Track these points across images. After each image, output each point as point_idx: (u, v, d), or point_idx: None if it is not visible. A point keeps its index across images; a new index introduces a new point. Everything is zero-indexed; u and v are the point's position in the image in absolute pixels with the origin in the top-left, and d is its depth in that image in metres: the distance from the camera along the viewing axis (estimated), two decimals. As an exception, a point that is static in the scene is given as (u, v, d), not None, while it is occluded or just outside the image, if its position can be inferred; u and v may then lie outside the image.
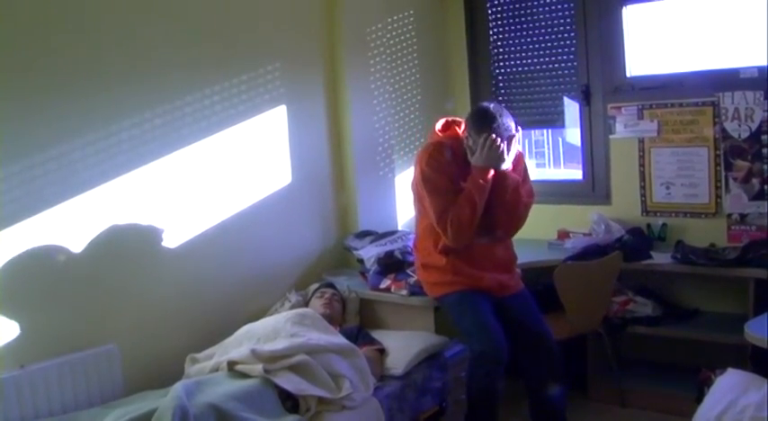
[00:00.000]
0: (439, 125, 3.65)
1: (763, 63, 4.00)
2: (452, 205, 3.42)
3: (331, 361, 3.23)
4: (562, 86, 4.75)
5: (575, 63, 4.65)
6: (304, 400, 3.06)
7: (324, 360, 3.21)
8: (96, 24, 3.25)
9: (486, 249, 3.59)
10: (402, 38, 4.73)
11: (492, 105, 3.47)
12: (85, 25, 3.21)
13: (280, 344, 3.23)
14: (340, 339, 3.38)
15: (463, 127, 3.54)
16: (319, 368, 3.16)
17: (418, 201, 3.63)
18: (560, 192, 4.80)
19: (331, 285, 4.01)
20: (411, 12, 4.78)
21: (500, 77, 4.98)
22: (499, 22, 4.94)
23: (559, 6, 4.67)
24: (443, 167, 3.47)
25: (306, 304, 3.88)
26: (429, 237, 3.62)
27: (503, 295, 3.59)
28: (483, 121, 3.40)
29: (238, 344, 3.31)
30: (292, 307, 3.90)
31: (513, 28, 4.88)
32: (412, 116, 4.83)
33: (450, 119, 3.68)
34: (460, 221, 3.40)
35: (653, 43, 4.42)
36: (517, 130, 3.47)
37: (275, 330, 3.36)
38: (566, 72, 4.71)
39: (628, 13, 4.44)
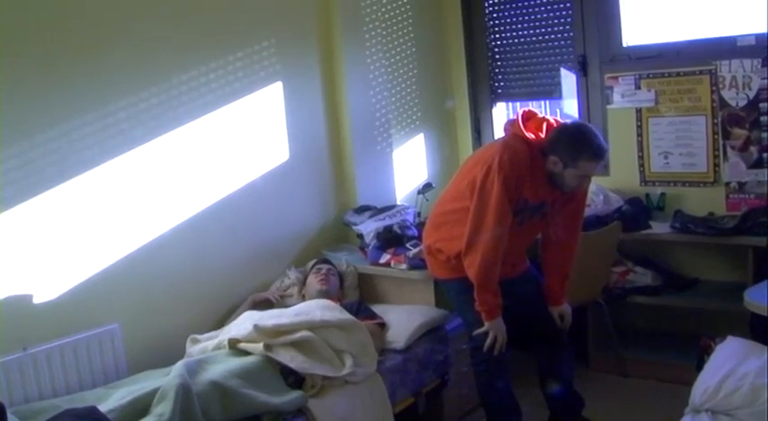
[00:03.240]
0: (521, 119, 3.17)
1: (760, 30, 3.97)
2: (497, 240, 3.10)
3: (334, 336, 3.25)
4: (559, 57, 4.72)
5: (571, 33, 4.62)
6: (310, 378, 3.09)
7: (327, 335, 3.23)
8: (92, 5, 3.23)
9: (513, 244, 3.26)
10: (397, 11, 4.69)
11: (597, 132, 3.14)
12: (81, 7, 3.19)
13: (284, 320, 3.25)
14: (343, 315, 3.39)
15: (552, 141, 3.11)
16: (323, 344, 3.18)
17: (471, 195, 3.15)
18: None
19: (327, 260, 4.02)
20: (406, -16, 4.75)
21: (496, 49, 4.95)
22: (495, -6, 4.91)
23: (555, -24, 4.64)
24: (514, 184, 3.08)
25: (304, 281, 3.90)
26: (461, 226, 3.20)
27: (511, 276, 3.36)
28: (596, 155, 3.08)
29: (240, 325, 3.32)
30: (292, 284, 3.92)
31: (508, -1, 4.86)
32: (408, 89, 4.81)
33: (536, 114, 3.24)
34: (488, 265, 3.13)
35: (649, 12, 4.39)
36: None
37: (280, 312, 3.40)
38: (562, 43, 4.68)
39: (623, -19, 4.41)
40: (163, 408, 2.70)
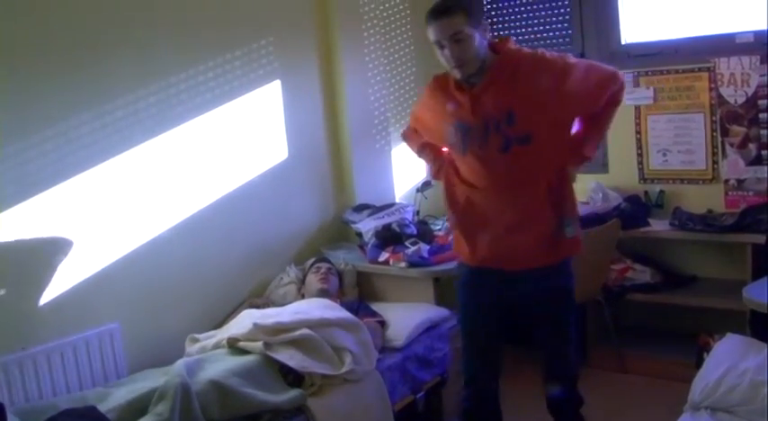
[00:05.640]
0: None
1: (759, 27, 3.97)
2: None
3: (334, 334, 3.25)
4: (557, 55, 4.72)
5: (569, 31, 4.62)
6: (310, 376, 3.09)
7: (327, 334, 3.23)
8: (90, 5, 3.22)
9: None
10: (395, 9, 4.69)
11: None
12: (80, 6, 3.19)
13: (283, 318, 3.25)
14: (343, 313, 3.40)
15: None
16: (322, 342, 3.18)
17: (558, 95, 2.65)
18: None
19: (325, 259, 4.02)
20: (404, -18, 4.75)
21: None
22: (493, -9, 4.91)
23: (553, -26, 4.64)
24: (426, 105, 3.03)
25: (303, 280, 3.90)
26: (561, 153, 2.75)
27: (515, 268, 2.91)
28: (431, 13, 2.68)
29: (240, 324, 3.32)
30: (291, 282, 3.92)
31: (506, -3, 4.86)
32: (407, 87, 4.81)
33: None
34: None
35: (648, 9, 4.39)
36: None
37: (279, 310, 3.40)
38: (560, 40, 4.69)
39: (622, -21, 4.41)
40: (162, 408, 2.71)
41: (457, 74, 2.68)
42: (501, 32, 4.90)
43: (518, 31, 4.84)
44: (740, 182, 4.14)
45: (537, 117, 2.64)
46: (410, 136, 3.19)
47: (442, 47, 2.64)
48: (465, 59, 2.62)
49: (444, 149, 3.01)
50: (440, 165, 3.02)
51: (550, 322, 2.90)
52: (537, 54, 2.71)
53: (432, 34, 2.64)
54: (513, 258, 2.80)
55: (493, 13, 4.91)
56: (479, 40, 2.64)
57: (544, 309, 2.88)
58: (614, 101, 2.82)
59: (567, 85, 2.63)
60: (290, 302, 3.66)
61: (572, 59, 2.71)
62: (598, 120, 2.83)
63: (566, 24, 4.63)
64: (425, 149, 3.10)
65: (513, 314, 2.97)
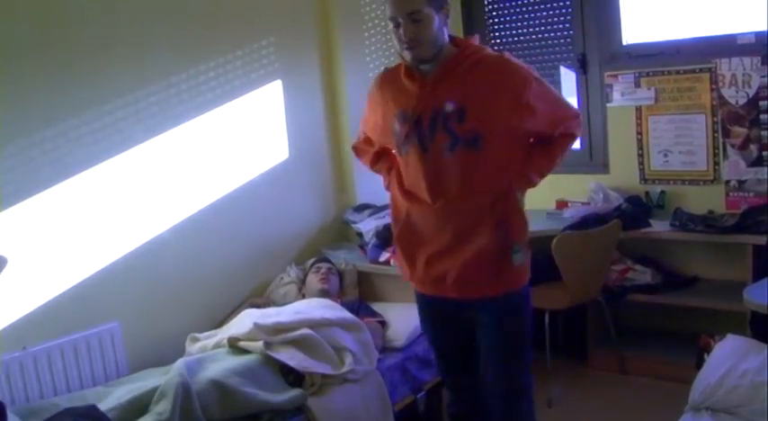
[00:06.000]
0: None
1: (760, 28, 3.97)
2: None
3: (335, 334, 3.25)
4: (558, 55, 4.71)
5: (571, 32, 4.62)
6: (310, 376, 3.09)
7: (328, 334, 3.23)
8: (91, 5, 3.23)
9: None
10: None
11: None
12: (80, 6, 3.19)
13: (284, 318, 3.25)
14: (344, 313, 3.40)
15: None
16: (322, 342, 3.18)
17: (523, 110, 2.49)
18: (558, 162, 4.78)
19: (326, 259, 4.02)
20: (405, -17, 4.74)
21: (496, 48, 4.94)
22: (494, -8, 4.91)
23: (554, -26, 4.63)
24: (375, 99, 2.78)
25: (303, 280, 3.90)
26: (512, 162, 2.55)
27: (454, 297, 2.68)
28: None
29: (240, 323, 3.33)
30: (291, 281, 3.92)
31: (508, -3, 4.86)
32: (408, 88, 4.80)
33: None
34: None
35: (649, 10, 4.38)
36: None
37: (280, 310, 3.40)
38: (562, 41, 4.68)
39: (623, -20, 4.41)
40: (163, 407, 2.71)
41: (407, 55, 2.46)
42: (502, 33, 4.90)
43: (519, 31, 4.83)
44: (741, 183, 4.13)
45: (489, 119, 2.45)
46: (361, 148, 2.94)
47: (397, 24, 2.42)
48: (419, 41, 2.42)
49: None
50: (392, 179, 2.73)
51: (492, 362, 2.62)
52: (501, 56, 2.54)
53: (389, 9, 2.44)
54: (449, 285, 2.56)
55: (494, 13, 4.91)
56: (439, 23, 2.44)
57: (487, 342, 2.61)
58: (570, 133, 2.66)
59: (525, 94, 2.46)
60: (291, 302, 3.66)
61: (536, 74, 2.55)
62: (551, 147, 2.63)
63: (567, 25, 4.62)
64: (379, 160, 2.84)
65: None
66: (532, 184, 2.62)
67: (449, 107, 2.46)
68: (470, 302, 2.58)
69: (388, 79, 2.66)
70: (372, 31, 4.52)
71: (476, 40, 2.61)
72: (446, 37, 2.50)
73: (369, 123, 2.81)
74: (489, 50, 2.57)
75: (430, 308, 2.74)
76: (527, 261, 2.60)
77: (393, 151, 2.71)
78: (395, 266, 3.88)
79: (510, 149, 2.54)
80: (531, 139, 2.63)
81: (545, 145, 2.63)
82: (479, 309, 2.58)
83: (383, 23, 4.59)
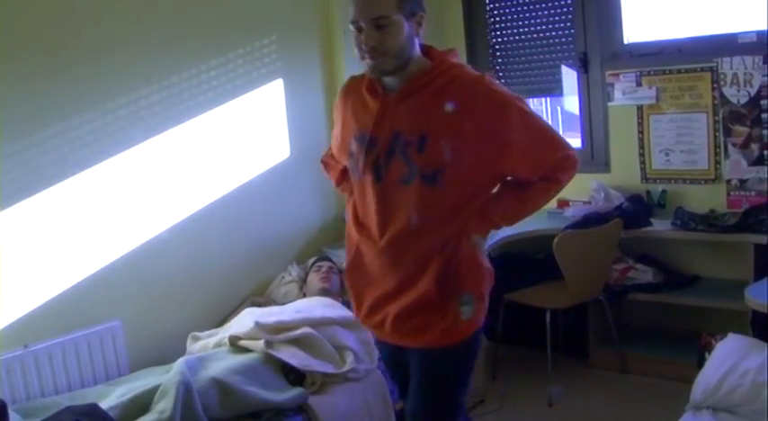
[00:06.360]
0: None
1: (761, 27, 3.96)
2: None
3: (336, 333, 3.25)
4: (560, 54, 4.71)
5: (572, 31, 4.61)
6: (311, 375, 3.09)
7: (329, 332, 3.23)
8: (92, 4, 3.23)
9: None
10: (398, 8, 4.68)
11: None
12: (81, 5, 3.19)
13: (285, 317, 3.25)
14: (345, 312, 3.40)
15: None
16: (323, 341, 3.18)
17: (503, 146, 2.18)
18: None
19: (327, 258, 4.02)
20: (406, -18, 4.74)
21: (497, 47, 4.94)
22: (495, -9, 4.90)
23: (556, -27, 4.63)
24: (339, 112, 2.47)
25: (304, 279, 3.90)
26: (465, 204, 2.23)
27: (391, 342, 2.48)
28: None
29: (241, 322, 3.33)
30: (292, 280, 3.92)
31: (509, -4, 4.86)
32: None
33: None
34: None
35: (650, 9, 4.38)
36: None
37: (281, 309, 3.40)
38: (563, 40, 4.68)
39: (624, -22, 4.40)
40: (164, 405, 2.71)
41: (368, 65, 2.16)
42: (503, 32, 4.90)
43: (520, 30, 4.83)
44: (742, 182, 4.13)
45: (453, 152, 2.12)
46: (329, 163, 2.60)
47: (359, 29, 2.13)
48: (382, 50, 2.11)
49: None
50: (348, 206, 2.44)
51: (414, 408, 2.38)
52: (482, 78, 2.18)
53: (351, 12, 2.15)
54: (387, 330, 2.31)
55: (495, 12, 4.90)
56: (409, 33, 2.13)
57: (414, 388, 2.36)
58: (553, 177, 2.27)
59: (502, 126, 2.13)
60: (292, 301, 3.66)
61: (523, 105, 2.20)
62: (526, 192, 2.27)
63: (568, 24, 4.62)
64: (344, 180, 2.49)
65: None
66: (497, 227, 2.32)
67: (410, 133, 2.14)
68: (406, 349, 2.34)
69: (354, 88, 2.34)
70: (374, 30, 4.51)
71: (455, 55, 2.27)
72: (416, 49, 2.19)
73: (334, 136, 2.48)
74: (469, 69, 2.23)
75: (380, 345, 2.56)
76: (480, 313, 2.27)
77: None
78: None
79: (475, 191, 2.22)
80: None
81: (522, 185, 2.27)
82: (413, 357, 2.33)
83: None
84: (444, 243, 2.19)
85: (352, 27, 2.15)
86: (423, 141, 2.12)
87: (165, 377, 2.86)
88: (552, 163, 2.24)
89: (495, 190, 2.28)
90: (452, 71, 2.18)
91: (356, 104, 2.30)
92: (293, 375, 3.11)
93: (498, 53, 4.95)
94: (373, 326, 2.38)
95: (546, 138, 2.24)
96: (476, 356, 2.37)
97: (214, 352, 3.16)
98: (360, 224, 2.31)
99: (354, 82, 2.37)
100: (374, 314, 2.33)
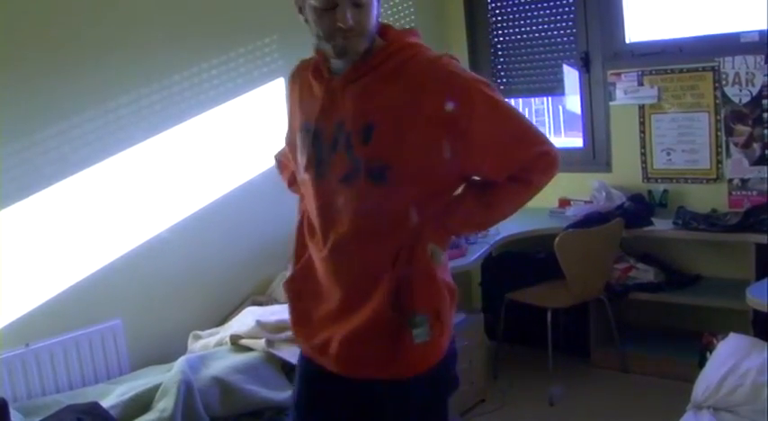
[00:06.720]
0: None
1: (763, 27, 3.96)
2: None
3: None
4: (561, 54, 4.71)
5: (574, 30, 4.61)
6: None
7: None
8: (93, 3, 3.23)
9: None
10: (400, 8, 4.69)
11: None
12: (82, 4, 3.19)
13: (286, 315, 3.24)
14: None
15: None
16: (323, 340, 3.18)
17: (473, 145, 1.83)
18: (561, 160, 4.77)
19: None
20: (408, -19, 4.74)
21: (499, 46, 4.94)
22: (497, -10, 4.90)
23: (557, -27, 4.63)
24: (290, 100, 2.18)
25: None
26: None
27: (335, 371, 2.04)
28: None
29: (242, 321, 3.33)
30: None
31: (511, -5, 4.85)
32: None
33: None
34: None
35: (652, 8, 4.38)
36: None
37: (282, 307, 3.40)
38: (565, 39, 4.68)
39: (626, -22, 4.40)
40: (165, 404, 2.71)
41: (338, 47, 1.84)
42: (504, 31, 4.89)
43: (523, 29, 4.83)
44: (744, 181, 4.13)
45: (402, 145, 1.79)
46: (282, 161, 2.34)
47: (333, 6, 1.80)
48: (358, 30, 1.81)
49: None
50: (301, 205, 2.24)
51: None
52: (440, 59, 1.85)
53: None
54: (331, 356, 1.94)
55: (497, 11, 4.90)
56: (377, 12, 1.89)
57: None
58: (524, 178, 1.91)
59: (462, 116, 1.78)
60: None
61: (489, 90, 1.85)
62: (492, 195, 1.91)
63: (570, 23, 4.62)
64: (296, 180, 2.18)
65: None
66: (455, 236, 2.04)
67: (354, 122, 1.83)
68: (355, 382, 1.93)
69: (303, 73, 2.05)
70: (375, 29, 4.51)
71: (413, 35, 1.96)
72: (376, 29, 1.91)
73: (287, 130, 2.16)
74: (427, 50, 1.90)
75: (309, 374, 2.08)
76: (442, 338, 1.89)
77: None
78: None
79: (431, 192, 1.87)
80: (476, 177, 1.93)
81: (487, 186, 1.92)
82: (366, 392, 1.93)
83: (385, 21, 4.57)
84: (396, 253, 1.84)
85: (315, 3, 1.84)
86: (368, 131, 1.80)
87: (166, 376, 2.86)
88: (524, 161, 1.88)
89: (458, 191, 1.94)
90: (405, 52, 1.86)
91: (303, 91, 2.00)
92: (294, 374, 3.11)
93: (500, 53, 4.95)
94: (315, 348, 1.99)
95: (517, 130, 1.88)
96: (442, 396, 1.96)
97: (215, 350, 3.16)
98: (311, 227, 2.06)
99: (304, 64, 2.07)
100: (319, 333, 1.97)
